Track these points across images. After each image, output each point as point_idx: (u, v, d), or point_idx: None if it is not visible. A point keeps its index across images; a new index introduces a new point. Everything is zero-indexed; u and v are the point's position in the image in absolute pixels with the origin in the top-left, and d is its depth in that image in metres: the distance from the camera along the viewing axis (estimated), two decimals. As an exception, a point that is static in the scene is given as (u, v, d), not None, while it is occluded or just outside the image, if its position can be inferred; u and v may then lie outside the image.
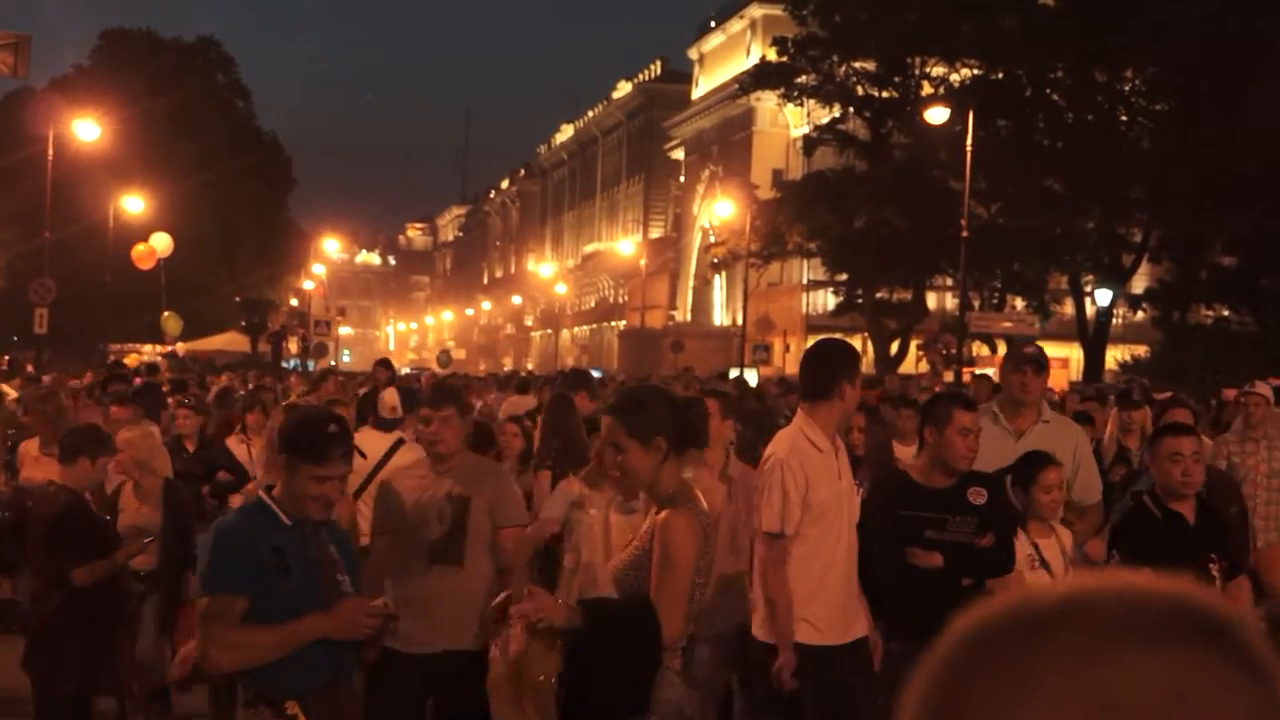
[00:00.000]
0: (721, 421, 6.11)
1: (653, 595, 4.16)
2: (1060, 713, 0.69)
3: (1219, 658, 0.72)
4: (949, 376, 30.82)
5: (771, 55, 44.06)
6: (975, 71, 39.35)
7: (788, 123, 59.63)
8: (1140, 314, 43.06)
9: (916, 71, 41.49)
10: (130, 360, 33.25)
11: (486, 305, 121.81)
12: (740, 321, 50.15)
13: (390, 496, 5.87)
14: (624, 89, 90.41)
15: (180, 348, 41.95)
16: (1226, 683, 0.71)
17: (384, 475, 6.41)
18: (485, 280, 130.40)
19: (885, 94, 41.90)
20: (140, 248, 39.69)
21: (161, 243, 40.30)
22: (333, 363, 56.74)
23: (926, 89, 40.69)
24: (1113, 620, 0.72)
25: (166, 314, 39.99)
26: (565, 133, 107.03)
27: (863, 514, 5.75)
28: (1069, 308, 41.14)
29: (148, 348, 43.61)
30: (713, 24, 74.99)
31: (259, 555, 4.19)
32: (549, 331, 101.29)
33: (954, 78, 40.17)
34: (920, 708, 0.73)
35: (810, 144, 44.02)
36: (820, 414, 5.57)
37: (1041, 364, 6.76)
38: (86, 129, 38.56)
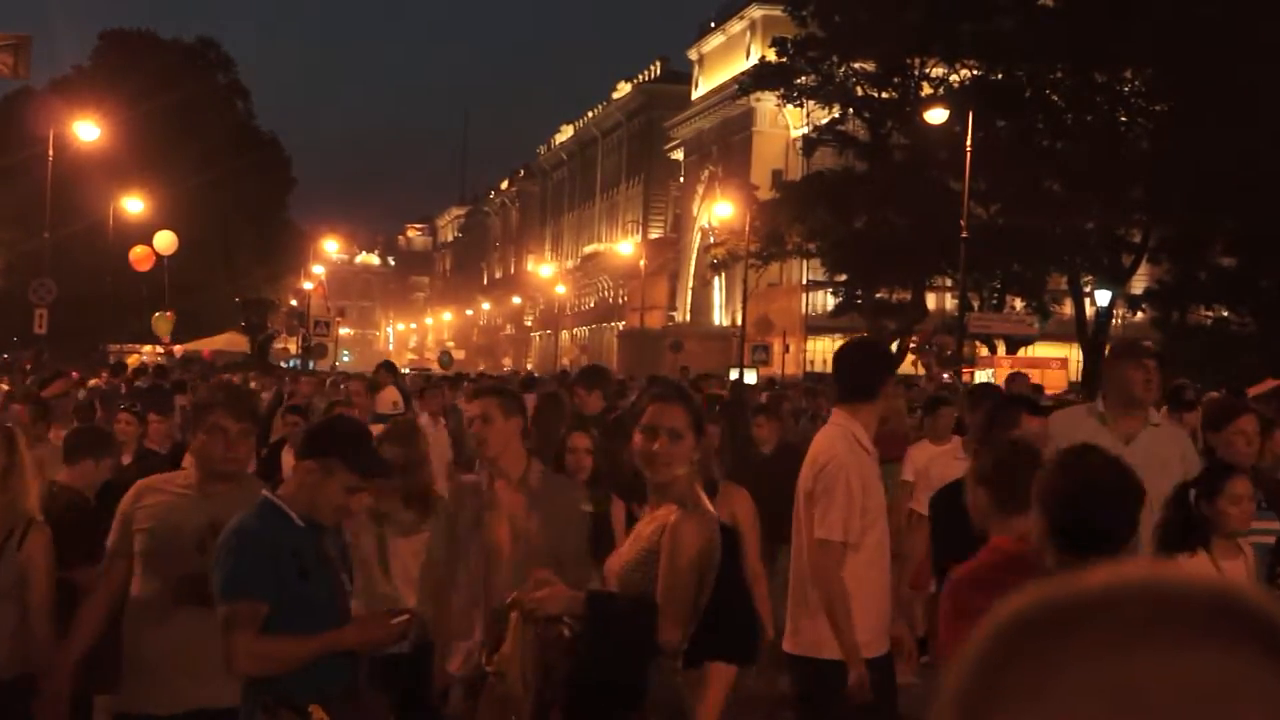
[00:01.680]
0: (505, 422, 5.41)
1: (659, 597, 4.15)
2: (1082, 705, 0.69)
3: (1257, 658, 0.69)
4: (948, 377, 30.81)
5: (771, 56, 44.09)
6: (975, 72, 39.37)
7: (787, 123, 59.65)
8: (1140, 314, 43.09)
9: (916, 72, 41.51)
10: (131, 361, 33.26)
11: (486, 306, 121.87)
12: (740, 322, 50.17)
13: (141, 513, 4.97)
14: (624, 90, 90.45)
15: (178, 349, 41.92)
16: (1261, 684, 0.69)
17: (142, 483, 5.24)
18: (485, 281, 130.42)
19: (885, 94, 41.91)
20: (138, 250, 39.66)
21: (164, 240, 40.23)
22: (335, 364, 56.76)
23: (926, 89, 40.71)
24: (1146, 613, 0.70)
25: (156, 315, 39.94)
26: (565, 133, 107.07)
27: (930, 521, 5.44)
28: (1068, 308, 41.15)
29: (147, 348, 43.63)
30: (712, 25, 75.02)
31: (279, 559, 4.14)
32: (549, 332, 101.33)
33: (953, 78, 40.18)
34: (954, 693, 0.72)
35: (810, 144, 44.04)
36: (864, 415, 5.35)
37: (1163, 358, 6.19)
38: (86, 130, 38.58)
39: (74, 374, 21.57)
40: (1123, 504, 3.35)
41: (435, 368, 48.16)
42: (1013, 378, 18.98)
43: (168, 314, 40.87)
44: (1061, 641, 0.70)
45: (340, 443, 4.33)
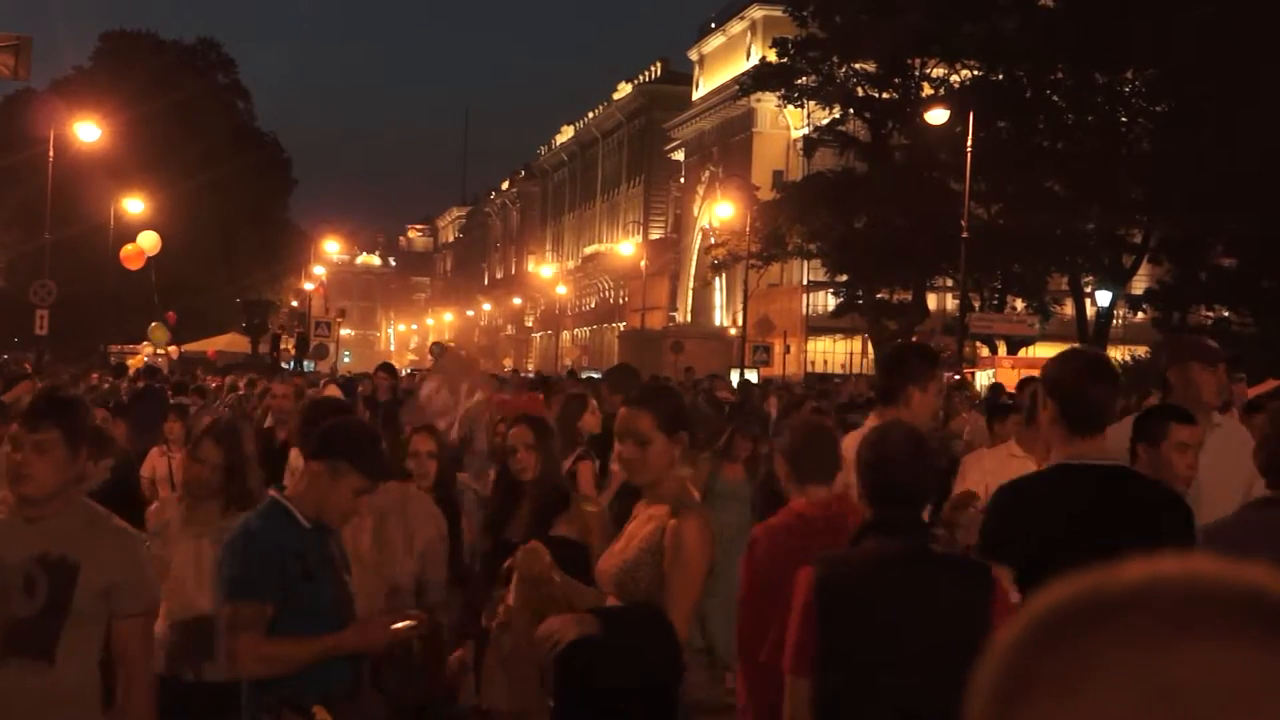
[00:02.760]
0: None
1: (667, 600, 4.11)
2: (1114, 697, 0.69)
3: None
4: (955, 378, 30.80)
5: (771, 56, 44.09)
6: (975, 72, 39.35)
7: (788, 124, 59.62)
8: (1140, 315, 43.07)
9: (916, 73, 41.50)
10: (132, 362, 33.24)
11: (487, 306, 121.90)
12: (740, 323, 50.15)
13: None
14: (624, 90, 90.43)
15: (173, 350, 41.88)
16: None
17: None
18: (486, 281, 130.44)
19: (885, 95, 41.90)
20: (129, 248, 39.57)
21: (148, 241, 40.15)
22: (336, 364, 56.76)
23: (926, 90, 40.70)
24: (1183, 607, 0.70)
25: (154, 325, 39.86)
26: (565, 134, 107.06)
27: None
28: (1069, 308, 41.14)
29: (148, 349, 43.64)
30: (713, 25, 75.00)
31: (284, 561, 4.11)
32: (549, 333, 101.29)
33: (954, 79, 40.17)
34: (989, 682, 0.73)
35: (810, 145, 44.03)
36: (889, 418, 5.21)
37: (1235, 360, 5.98)
38: (87, 130, 38.56)
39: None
40: (914, 467, 3.92)
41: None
42: (994, 389, 19.22)
43: (166, 319, 40.83)
44: (1096, 634, 0.70)
45: (349, 445, 4.30)
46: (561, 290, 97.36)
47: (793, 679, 3.78)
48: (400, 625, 4.35)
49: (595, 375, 22.84)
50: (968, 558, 4.32)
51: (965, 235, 31.72)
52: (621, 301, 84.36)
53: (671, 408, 4.37)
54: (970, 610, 3.69)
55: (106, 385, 20.02)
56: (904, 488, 3.87)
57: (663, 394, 4.60)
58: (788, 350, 50.65)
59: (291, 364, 46.71)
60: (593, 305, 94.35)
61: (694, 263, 71.22)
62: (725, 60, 71.14)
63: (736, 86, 55.19)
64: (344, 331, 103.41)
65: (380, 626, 4.33)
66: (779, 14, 49.27)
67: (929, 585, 3.76)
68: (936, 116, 34.72)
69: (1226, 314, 38.46)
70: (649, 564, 4.16)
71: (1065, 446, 4.03)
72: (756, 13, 65.74)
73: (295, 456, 8.54)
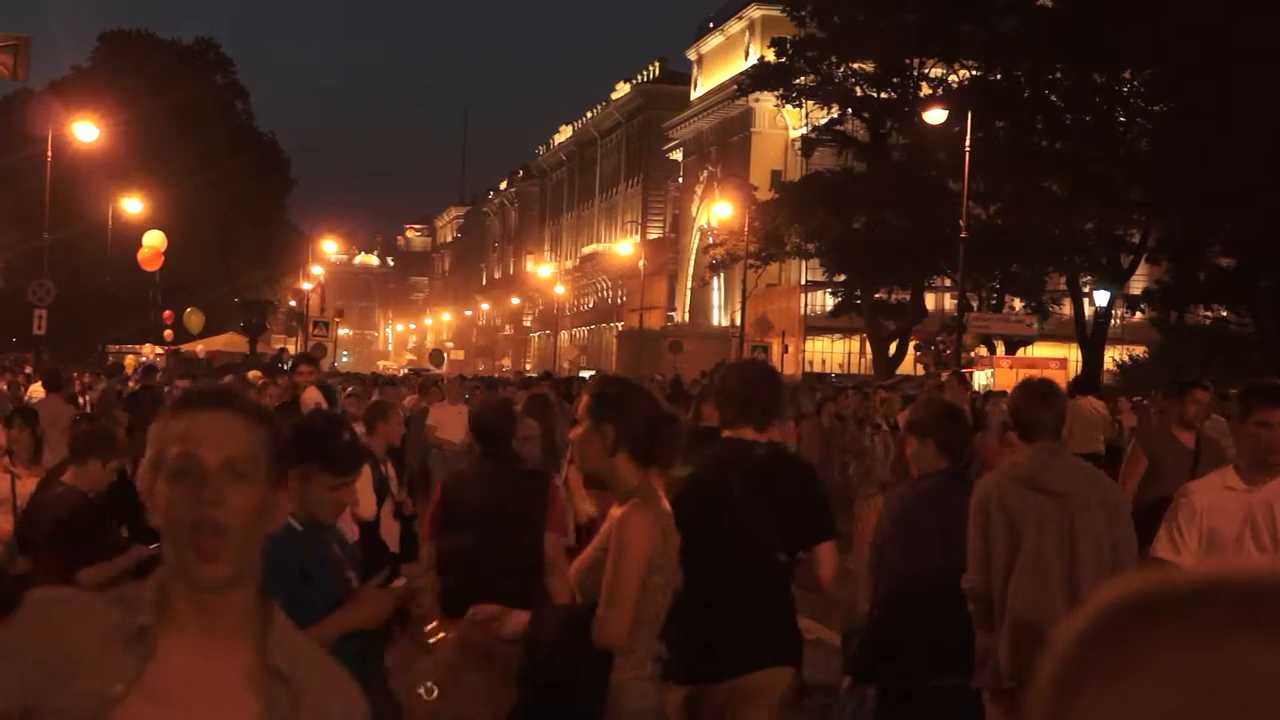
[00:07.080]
0: None
1: (601, 595, 4.00)
2: (1161, 693, 0.69)
3: None
4: (946, 376, 30.80)
5: (770, 56, 44.08)
6: (974, 72, 39.36)
7: (786, 124, 59.67)
8: (1138, 315, 43.09)
9: (915, 72, 41.50)
10: (129, 361, 33.25)
11: (485, 306, 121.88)
12: (739, 322, 50.18)
13: None
14: (623, 90, 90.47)
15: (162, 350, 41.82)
16: None
17: None
18: (484, 281, 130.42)
19: (884, 95, 41.89)
20: (145, 250, 39.61)
21: (158, 239, 40.17)
22: (335, 364, 56.76)
23: (925, 90, 40.69)
24: (1239, 606, 0.70)
25: (189, 310, 39.79)
26: (564, 134, 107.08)
27: None
28: (1067, 308, 41.14)
29: (146, 348, 43.61)
30: (711, 25, 75.04)
31: (280, 565, 3.87)
32: (548, 332, 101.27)
33: (952, 78, 40.17)
34: (1049, 670, 0.74)
35: (809, 145, 44.02)
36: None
37: None
38: (85, 130, 38.55)
39: (85, 376, 21.65)
40: (505, 419, 6.42)
41: (432, 368, 48.09)
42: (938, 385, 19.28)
43: (164, 318, 40.81)
44: (1151, 629, 0.71)
45: (311, 447, 4.27)
46: (560, 290, 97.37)
47: (429, 543, 6.20)
48: (400, 588, 4.23)
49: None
50: (534, 469, 6.58)
51: (964, 235, 31.72)
52: (620, 301, 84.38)
53: (602, 400, 4.21)
54: (529, 503, 5.96)
55: (102, 385, 20.02)
56: (491, 431, 6.29)
57: (603, 384, 4.40)
58: (786, 350, 50.68)
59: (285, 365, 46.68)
60: (591, 305, 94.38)
61: (692, 262, 71.25)
62: (723, 60, 71.17)
63: (735, 86, 55.21)
64: (342, 331, 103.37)
65: (378, 595, 4.18)
66: (777, 14, 49.28)
67: (502, 487, 6.03)
68: (935, 116, 34.71)
69: (1225, 314, 38.48)
70: (601, 561, 4.09)
71: None
72: (755, 12, 65.77)
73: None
